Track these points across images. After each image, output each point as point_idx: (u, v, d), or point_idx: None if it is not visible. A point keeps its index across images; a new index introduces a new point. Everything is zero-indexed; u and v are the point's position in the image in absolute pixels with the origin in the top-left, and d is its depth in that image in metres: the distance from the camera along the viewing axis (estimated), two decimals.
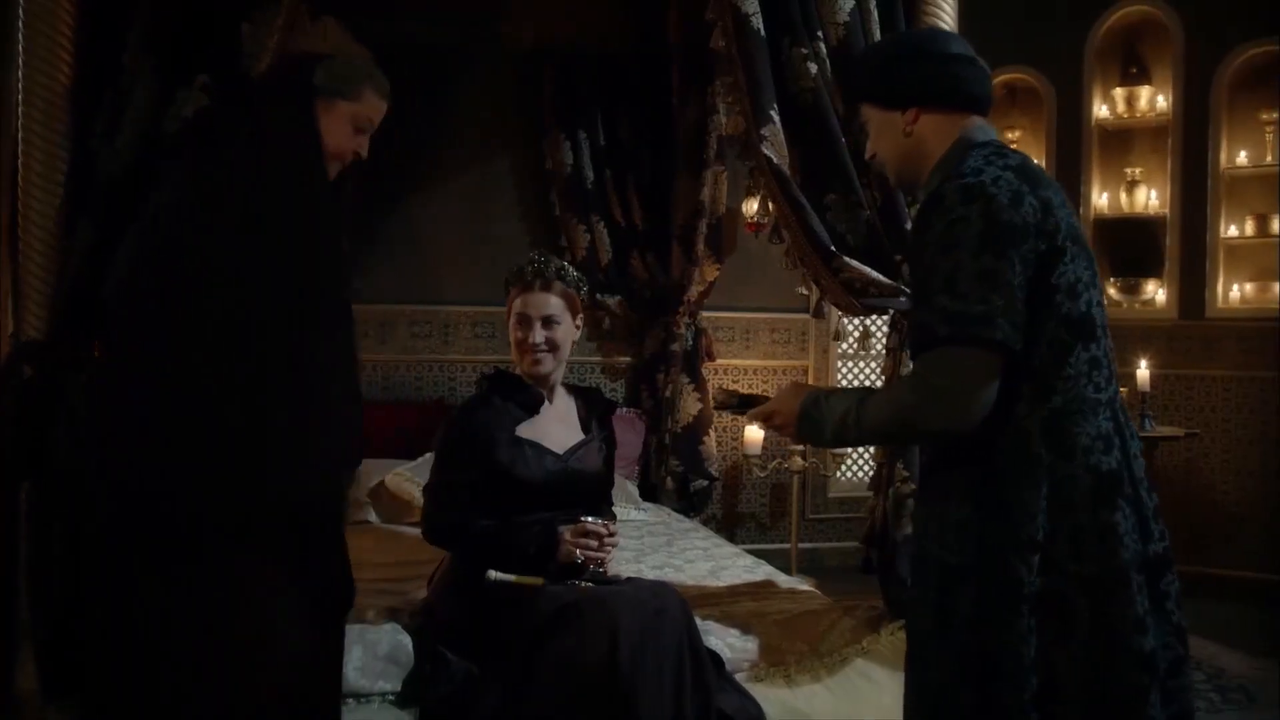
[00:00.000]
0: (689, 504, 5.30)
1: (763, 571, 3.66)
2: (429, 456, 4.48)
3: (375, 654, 2.67)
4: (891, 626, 2.90)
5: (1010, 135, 5.94)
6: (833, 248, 2.83)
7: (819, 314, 3.09)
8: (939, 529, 1.78)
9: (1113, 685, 1.69)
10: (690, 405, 5.36)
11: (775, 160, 2.80)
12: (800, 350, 5.92)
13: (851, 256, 2.85)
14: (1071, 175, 5.73)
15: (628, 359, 5.58)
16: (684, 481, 5.33)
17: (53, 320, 2.41)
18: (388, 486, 4.44)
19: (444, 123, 5.21)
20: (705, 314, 5.47)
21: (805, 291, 3.04)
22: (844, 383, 6.06)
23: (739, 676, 2.75)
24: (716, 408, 2.23)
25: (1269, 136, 5.52)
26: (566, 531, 2.67)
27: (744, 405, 2.04)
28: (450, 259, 5.35)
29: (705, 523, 5.15)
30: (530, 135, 5.35)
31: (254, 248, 2.02)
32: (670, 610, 2.56)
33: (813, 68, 2.82)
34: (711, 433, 5.41)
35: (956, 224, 1.68)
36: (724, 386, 2.33)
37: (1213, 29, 5.50)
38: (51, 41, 2.42)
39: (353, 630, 2.78)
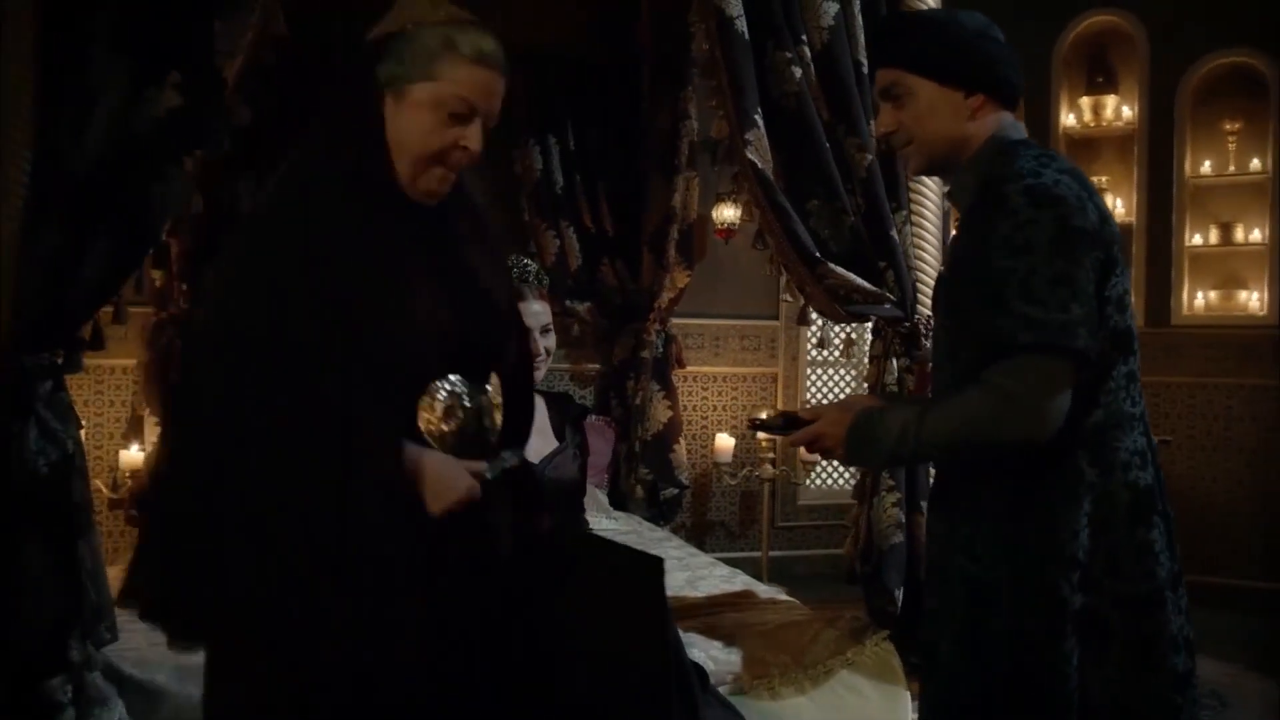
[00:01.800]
0: (659, 512, 5.24)
1: (740, 581, 3.61)
2: None
3: None
4: (876, 637, 2.87)
5: None
6: (817, 254, 2.80)
7: (804, 321, 3.05)
8: (966, 541, 1.72)
9: (1149, 706, 1.67)
10: (660, 413, 5.31)
11: (760, 165, 2.76)
12: (770, 357, 5.91)
13: (835, 263, 2.82)
14: None
15: (597, 366, 5.52)
16: (654, 490, 5.27)
17: (16, 328, 2.31)
18: None
19: None
20: (674, 321, 5.42)
21: (789, 298, 2.99)
22: (813, 390, 6.05)
23: (722, 689, 2.70)
24: (760, 428, 2.06)
25: (1232, 146, 5.59)
26: None
27: (788, 426, 1.86)
28: None
29: (675, 531, 5.11)
30: (499, 140, 5.25)
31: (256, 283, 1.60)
32: None
33: (797, 72, 2.79)
34: (681, 440, 5.37)
35: (1027, 227, 1.61)
36: (772, 406, 2.15)
37: (1177, 39, 5.55)
38: (15, 35, 2.33)
39: None
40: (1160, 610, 1.68)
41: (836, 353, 5.98)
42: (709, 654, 2.79)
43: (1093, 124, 5.82)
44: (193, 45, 2.37)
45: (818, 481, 6.05)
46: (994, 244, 1.64)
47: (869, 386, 2.99)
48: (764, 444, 5.49)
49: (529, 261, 2.77)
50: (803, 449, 1.82)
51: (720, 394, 5.85)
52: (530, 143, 5.19)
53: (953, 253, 1.82)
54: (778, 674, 2.79)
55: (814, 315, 3.05)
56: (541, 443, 2.77)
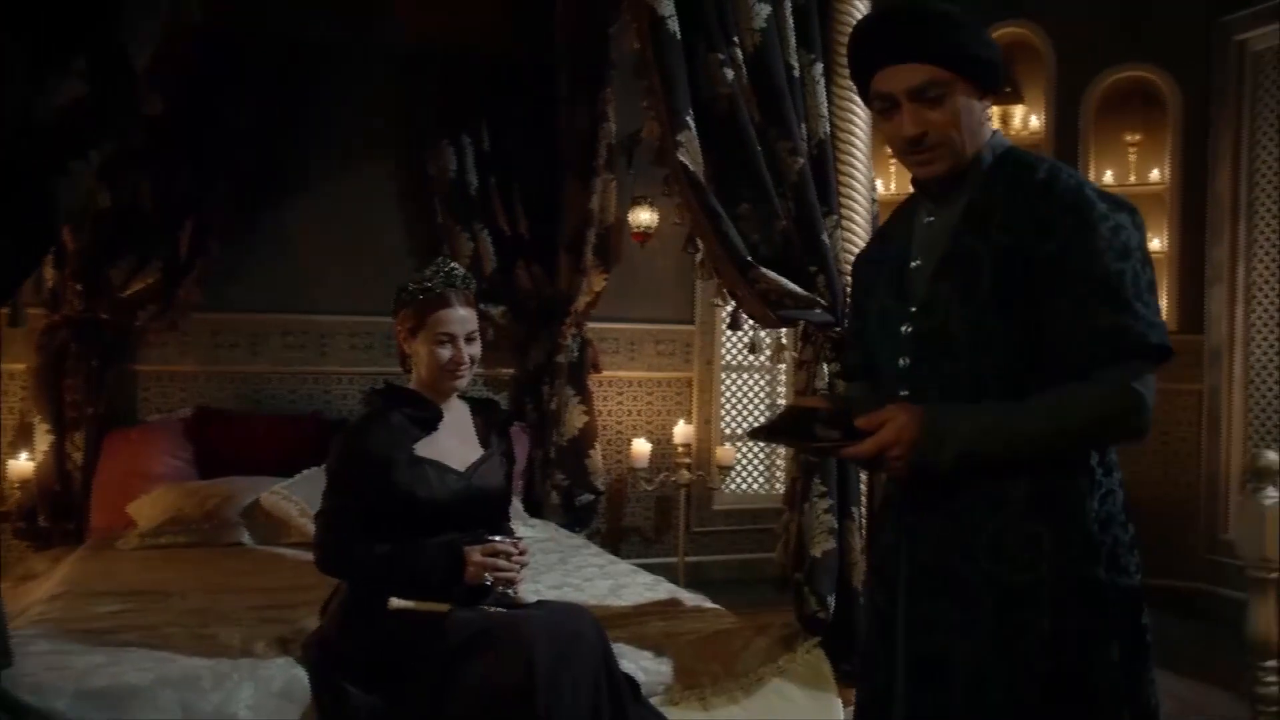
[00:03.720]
0: (574, 519, 5.18)
1: (664, 589, 3.57)
2: (307, 473, 4.29)
3: (269, 690, 2.49)
4: (807, 645, 2.85)
5: (889, 151, 6.02)
6: (749, 258, 2.77)
7: (735, 325, 3.02)
8: (991, 544, 1.70)
9: (1150, 696, 1.72)
10: (576, 418, 5.25)
11: (691, 167, 2.72)
12: (685, 362, 5.89)
13: (765, 267, 2.79)
14: None
15: (511, 371, 5.43)
16: (569, 496, 5.21)
17: None
18: (263, 506, 4.19)
19: (320, 124, 4.98)
20: (590, 325, 5.37)
21: (719, 302, 2.96)
22: (727, 396, 6.04)
23: (654, 700, 2.66)
24: (796, 442, 1.84)
25: (1132, 157, 5.75)
26: (473, 551, 2.52)
27: (850, 434, 1.67)
28: (326, 267, 5.12)
29: (589, 538, 5.04)
30: (412, 139, 5.17)
31: None
32: (586, 634, 2.46)
33: (729, 73, 2.76)
34: (597, 446, 5.31)
35: (1120, 230, 1.65)
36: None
37: (1081, 52, 5.69)
38: None
39: (242, 665, 2.59)
40: (1144, 603, 1.74)
41: (764, 358, 5.98)
42: (639, 664, 2.74)
43: (1001, 133, 5.92)
44: (100, 30, 2.23)
45: (731, 486, 6.05)
46: (1097, 246, 1.64)
47: (797, 392, 2.97)
48: (680, 449, 5.46)
49: (455, 265, 2.67)
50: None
51: (636, 399, 5.81)
52: (443, 143, 5.09)
53: (966, 246, 1.74)
54: (709, 684, 2.76)
55: (745, 320, 3.01)
56: (467, 450, 2.69)
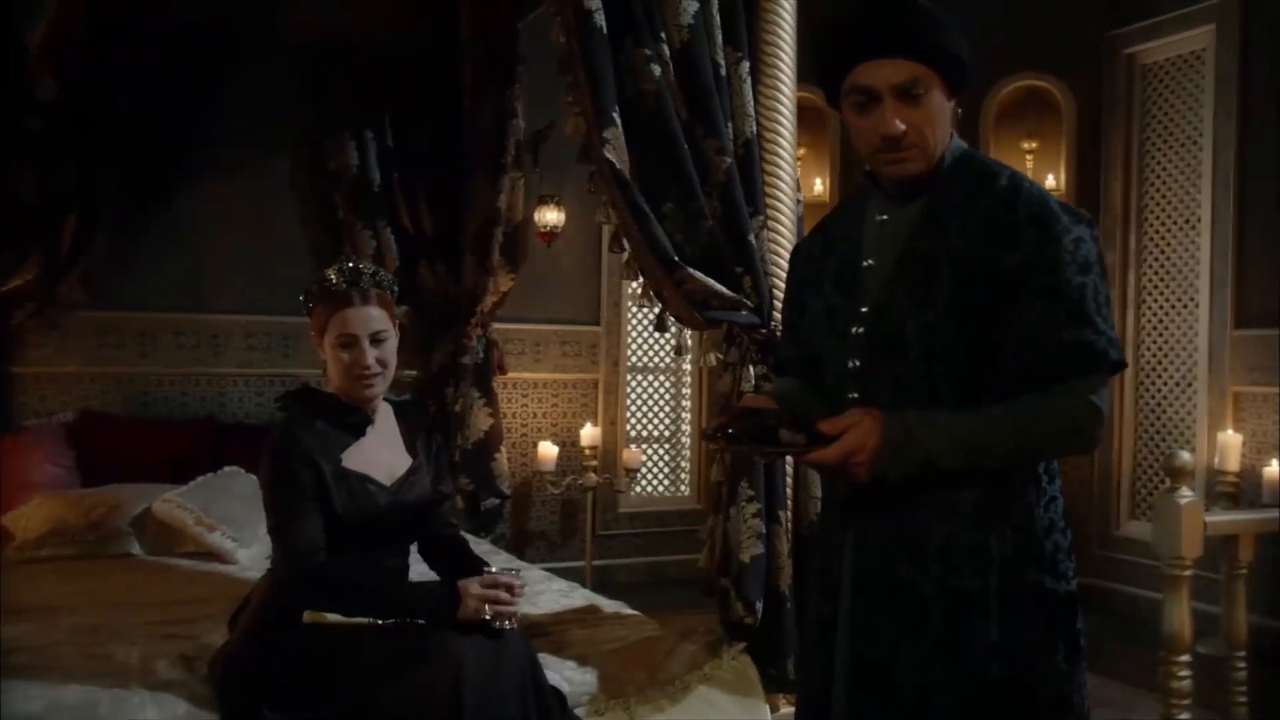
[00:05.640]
0: (480, 523, 5.07)
1: (580, 595, 3.50)
2: (202, 480, 4.11)
3: (173, 713, 2.34)
4: (732, 650, 2.81)
5: (798, 153, 6.06)
6: (675, 258, 2.72)
7: (661, 327, 2.96)
8: (942, 551, 1.67)
9: (1080, 699, 1.72)
10: (481, 420, 5.14)
11: (618, 165, 2.66)
12: (591, 364, 5.83)
13: (692, 267, 2.75)
14: None
15: (414, 372, 5.29)
16: (475, 500, 5.10)
17: None
18: (155, 514, 3.98)
19: (218, 116, 4.79)
20: (494, 326, 5.26)
21: (645, 303, 2.90)
22: (634, 398, 6.00)
23: (579, 711, 2.59)
24: (752, 443, 1.65)
25: (1029, 163, 5.90)
26: (472, 584, 2.36)
27: (815, 440, 1.61)
28: (221, 264, 4.92)
29: (494, 543, 4.94)
30: (313, 133, 4.99)
31: None
32: (513, 646, 2.37)
33: (656, 70, 2.70)
34: (503, 449, 5.21)
35: (1081, 244, 1.64)
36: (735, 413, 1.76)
37: (981, 61, 5.78)
38: None
39: (144, 690, 2.43)
40: (1079, 608, 1.75)
41: (674, 360, 5.96)
42: (563, 674, 2.66)
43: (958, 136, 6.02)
44: None
45: (638, 489, 6.00)
46: (1060, 259, 1.63)
47: (723, 395, 2.92)
48: (587, 452, 5.40)
49: (365, 263, 2.53)
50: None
51: (541, 401, 5.73)
52: (345, 137, 4.94)
53: (924, 249, 1.70)
54: (634, 693, 2.70)
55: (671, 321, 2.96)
56: (394, 458, 2.54)
